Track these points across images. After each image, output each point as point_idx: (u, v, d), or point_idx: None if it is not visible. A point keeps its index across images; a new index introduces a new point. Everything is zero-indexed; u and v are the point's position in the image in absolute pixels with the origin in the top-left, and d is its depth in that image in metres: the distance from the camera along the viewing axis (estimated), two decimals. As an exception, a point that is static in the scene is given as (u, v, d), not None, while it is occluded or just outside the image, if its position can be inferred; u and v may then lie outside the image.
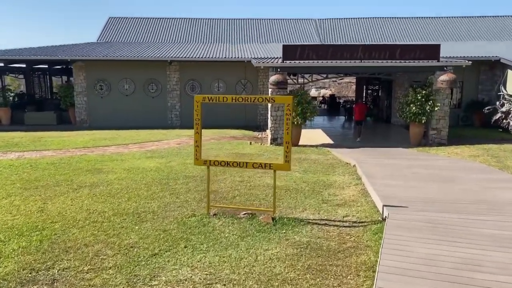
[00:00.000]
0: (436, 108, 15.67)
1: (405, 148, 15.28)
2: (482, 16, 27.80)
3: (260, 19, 28.49)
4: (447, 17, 27.83)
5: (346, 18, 28.15)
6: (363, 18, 28.13)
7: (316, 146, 16.02)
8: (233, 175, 9.98)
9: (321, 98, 35.90)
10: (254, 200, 7.72)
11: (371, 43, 23.87)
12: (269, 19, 28.48)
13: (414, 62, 15.83)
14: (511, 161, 11.55)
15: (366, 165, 10.62)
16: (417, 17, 27.89)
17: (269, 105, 16.16)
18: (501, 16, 27.68)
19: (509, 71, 20.17)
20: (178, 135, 17.75)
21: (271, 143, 16.27)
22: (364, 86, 27.48)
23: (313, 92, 44.18)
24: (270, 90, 16.01)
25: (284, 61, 15.96)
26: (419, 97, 15.70)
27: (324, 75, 18.16)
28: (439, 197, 7.39)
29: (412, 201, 7.11)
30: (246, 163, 6.62)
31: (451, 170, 9.91)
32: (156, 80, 21.45)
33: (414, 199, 7.29)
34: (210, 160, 6.78)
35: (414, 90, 16.07)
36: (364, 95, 27.72)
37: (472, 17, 27.87)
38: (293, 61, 16.09)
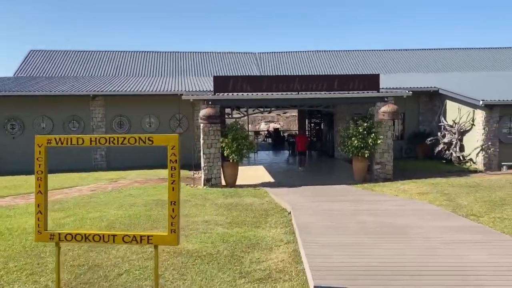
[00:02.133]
0: (379, 141, 14.47)
1: (349, 185, 13.83)
2: (420, 49, 27.89)
3: (198, 52, 26.98)
4: (385, 50, 27.68)
5: (286, 52, 27.28)
6: (303, 51, 27.37)
7: (255, 185, 14.24)
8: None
9: (266, 132, 34.50)
10: (146, 279, 5.53)
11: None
12: (208, 52, 27.05)
13: (353, 93, 14.65)
14: (462, 199, 10.25)
15: (303, 213, 8.87)
16: (355, 50, 27.52)
17: (202, 141, 14.26)
18: (437, 49, 27.89)
19: (447, 101, 19.65)
20: (98, 179, 15.34)
21: (204, 185, 14.29)
22: (307, 119, 26.34)
23: (262, 126, 42.91)
24: (201, 125, 14.17)
25: (216, 94, 14.25)
26: (360, 130, 14.45)
27: (262, 109, 16.58)
28: (392, 265, 5.49)
29: (355, 274, 5.20)
30: (114, 236, 4.38)
31: (402, 216, 8.33)
32: (78, 117, 19.03)
33: (358, 270, 5.31)
34: (60, 234, 4.45)
35: (355, 122, 14.83)
36: (307, 128, 26.54)
37: (410, 50, 27.90)
38: (226, 94, 14.42)
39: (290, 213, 9.10)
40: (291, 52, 27.17)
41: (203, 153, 14.25)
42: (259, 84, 14.38)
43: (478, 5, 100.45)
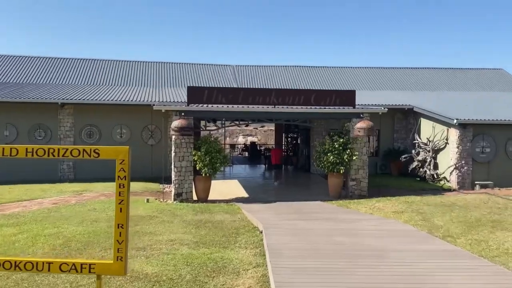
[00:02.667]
0: (354, 157, 14.18)
1: (325, 202, 13.43)
2: (395, 68, 28.08)
3: (175, 63, 26.40)
4: (362, 67, 27.75)
5: (264, 66, 27.00)
6: (281, 66, 27.17)
7: (228, 201, 13.68)
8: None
9: (242, 146, 33.98)
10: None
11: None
12: (185, 63, 26.50)
13: (330, 108, 14.35)
14: (438, 219, 9.95)
15: (276, 232, 8.36)
16: (332, 67, 27.51)
17: (173, 154, 13.63)
18: (412, 68, 28.13)
19: (422, 119, 19.64)
20: (62, 191, 14.47)
21: (174, 200, 13.61)
22: (284, 134, 25.99)
23: (240, 140, 42.33)
24: (173, 137, 13.56)
25: (190, 105, 13.69)
26: (336, 146, 14.13)
27: (237, 122, 16.09)
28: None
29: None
30: (50, 264, 3.68)
31: (379, 238, 7.91)
32: (44, 125, 18.10)
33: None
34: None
35: (331, 138, 14.52)
36: (283, 143, 26.18)
37: (386, 68, 28.06)
38: (200, 105, 13.88)
39: (262, 232, 8.57)
40: (269, 66, 26.92)
41: (174, 166, 13.62)
42: (235, 96, 13.92)
43: (453, 28, 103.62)
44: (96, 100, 17.80)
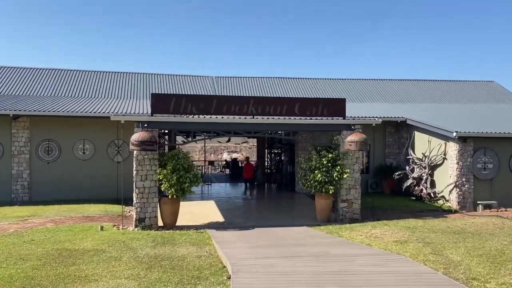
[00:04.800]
0: (345, 175, 12.19)
1: (311, 227, 11.38)
2: (387, 79, 26.47)
3: (150, 74, 24.33)
4: (351, 79, 26.06)
5: (246, 77, 25.11)
6: (265, 77, 25.32)
7: (200, 227, 11.55)
8: None
9: (223, 163, 31.78)
10: None
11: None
12: (161, 74, 24.45)
13: (316, 119, 12.43)
14: (452, 251, 7.95)
15: (247, 278, 6.24)
16: (320, 78, 25.75)
17: (134, 172, 11.48)
18: (404, 80, 26.56)
19: (416, 133, 17.86)
20: (5, 217, 12.22)
21: (136, 226, 11.40)
22: (266, 149, 23.96)
23: (225, 156, 40.06)
24: (135, 152, 11.43)
25: (154, 115, 11.62)
26: (324, 162, 12.15)
27: (210, 134, 13.99)
28: None
29: None
30: None
31: (384, 287, 5.83)
32: (-6, 140, 15.76)
33: None
34: None
35: (319, 153, 12.54)
36: (266, 159, 24.12)
37: (377, 79, 26.43)
38: (166, 115, 11.82)
39: (230, 277, 6.43)
40: (252, 77, 25.04)
41: (136, 187, 11.45)
42: (207, 105, 11.90)
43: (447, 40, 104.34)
44: (52, 111, 15.56)
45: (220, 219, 13.02)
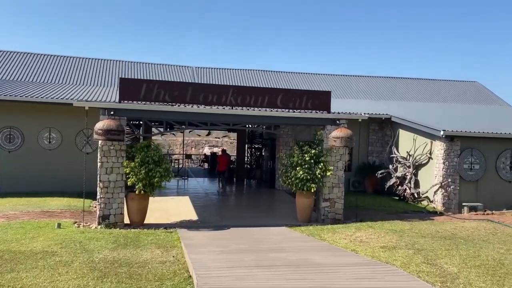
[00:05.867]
0: (328, 173, 11.24)
1: (291, 228, 10.42)
2: (371, 76, 25.71)
3: (127, 62, 22.93)
4: (335, 75, 25.20)
5: (228, 69, 23.96)
6: (247, 69, 24.22)
7: (170, 225, 10.45)
8: None
9: (202, 157, 30.54)
10: None
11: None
12: (139, 62, 23.08)
13: (300, 112, 11.43)
14: (446, 261, 7.07)
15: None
16: (302, 73, 24.80)
17: (99, 164, 10.27)
18: (389, 77, 25.84)
19: (400, 130, 17.07)
20: None
21: (99, 223, 10.21)
22: (247, 144, 22.89)
23: (206, 150, 38.68)
24: (100, 142, 10.22)
25: (122, 101, 10.41)
26: (307, 158, 11.17)
27: (185, 125, 12.79)
28: None
29: None
30: None
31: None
32: None
33: None
34: None
35: (301, 148, 11.55)
36: (246, 154, 23.06)
37: (361, 76, 25.65)
38: (136, 102, 10.63)
39: (194, 290, 5.38)
40: (234, 69, 23.91)
41: (100, 180, 10.25)
42: (182, 92, 10.76)
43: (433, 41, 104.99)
44: (10, 95, 14.13)
45: (194, 217, 11.94)
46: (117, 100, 14.97)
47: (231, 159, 24.10)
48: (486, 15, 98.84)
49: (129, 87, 10.47)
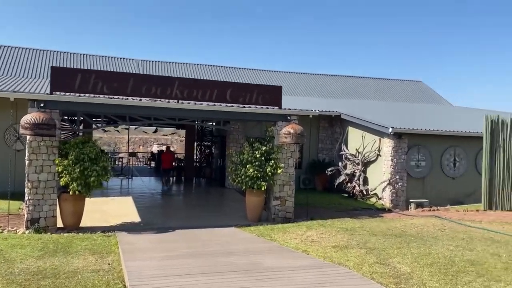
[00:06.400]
0: (279, 170, 10.87)
1: (241, 228, 9.94)
2: (321, 74, 25.78)
3: (69, 53, 21.34)
4: (284, 72, 25.01)
5: (176, 63, 23.03)
6: (195, 64, 23.41)
7: (109, 228, 9.60)
8: None
9: (149, 155, 29.32)
10: None
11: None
12: (81, 54, 21.56)
13: (250, 107, 10.96)
14: (398, 260, 6.88)
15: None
16: (255, 69, 24.39)
17: (26, 162, 9.21)
18: (338, 76, 26.06)
19: (350, 128, 17.13)
20: None
21: (27, 228, 9.17)
22: (196, 141, 22.11)
23: (155, 149, 37.13)
24: (28, 137, 9.16)
25: (54, 93, 9.40)
26: (257, 155, 10.73)
27: (126, 120, 11.86)
28: None
29: None
30: None
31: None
32: None
33: None
34: None
35: (251, 145, 11.10)
36: (195, 152, 22.29)
37: (309, 74, 25.65)
38: (70, 94, 9.65)
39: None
40: (182, 63, 23.02)
41: (28, 180, 9.21)
42: (123, 84, 9.90)
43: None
44: None
45: (137, 218, 11.11)
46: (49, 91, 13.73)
47: (180, 157, 23.29)
48: (426, 19, 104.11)
49: (62, 77, 9.47)
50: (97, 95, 9.79)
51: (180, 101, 10.39)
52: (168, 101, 10.26)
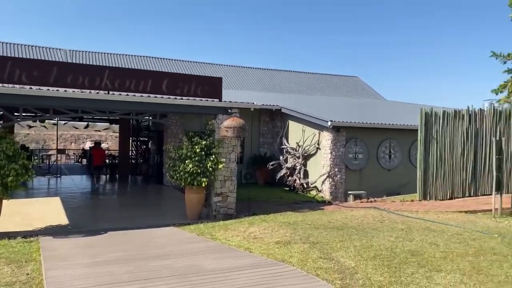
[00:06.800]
0: (220, 166, 10.46)
1: (180, 228, 9.41)
2: (260, 68, 25.59)
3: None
4: (226, 65, 24.51)
5: (105, 53, 21.66)
6: (127, 55, 22.20)
7: (32, 233, 8.66)
8: None
9: (80, 152, 27.50)
10: None
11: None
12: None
13: (188, 99, 10.40)
14: (342, 253, 6.78)
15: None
16: (192, 61, 23.64)
17: None
18: (276, 70, 26.02)
19: (290, 122, 17.10)
20: None
21: None
22: (131, 137, 20.99)
23: (87, 146, 34.78)
24: None
25: (-39, 82, 8.22)
26: (197, 150, 10.23)
27: (49, 113, 10.78)
28: None
29: None
30: None
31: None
32: None
33: None
34: None
35: (190, 140, 10.56)
36: (131, 149, 21.17)
37: (251, 68, 25.36)
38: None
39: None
40: (114, 54, 21.71)
41: None
42: (45, 73, 8.91)
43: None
44: None
45: (64, 221, 10.14)
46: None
47: (115, 154, 22.07)
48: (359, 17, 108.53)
49: (-29, 64, 8.30)
50: (15, 85, 8.71)
51: (110, 92, 9.58)
52: (98, 92, 9.41)
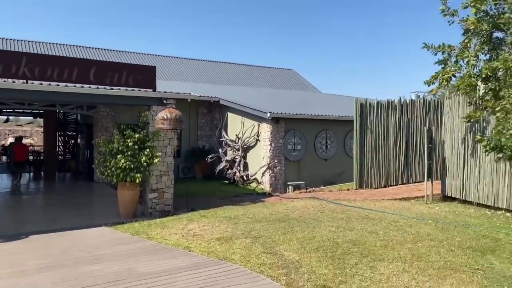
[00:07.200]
0: (155, 160, 9.86)
1: (112, 228, 8.74)
2: (198, 60, 24.86)
3: None
4: (161, 55, 23.49)
5: (32, 41, 19.82)
6: (57, 44, 20.48)
7: None
8: None
9: (0, 148, 25.02)
10: None
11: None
12: None
13: (119, 89, 9.64)
14: (285, 247, 6.61)
15: None
16: (125, 51, 22.36)
17: None
18: (216, 62, 25.43)
19: (229, 114, 16.76)
20: None
21: None
22: (58, 132, 19.41)
23: (7, 143, 31.68)
24: None
25: None
26: (130, 144, 9.55)
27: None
28: None
29: None
30: None
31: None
32: None
33: None
34: None
35: (122, 133, 9.83)
36: (58, 144, 19.59)
37: (188, 59, 24.54)
38: None
39: None
40: (37, 42, 19.90)
41: None
42: None
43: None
44: None
45: (-24, 226, 8.98)
46: None
47: (39, 149, 20.36)
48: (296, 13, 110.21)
49: None
50: None
51: (29, 81, 8.58)
52: (14, 81, 8.38)
